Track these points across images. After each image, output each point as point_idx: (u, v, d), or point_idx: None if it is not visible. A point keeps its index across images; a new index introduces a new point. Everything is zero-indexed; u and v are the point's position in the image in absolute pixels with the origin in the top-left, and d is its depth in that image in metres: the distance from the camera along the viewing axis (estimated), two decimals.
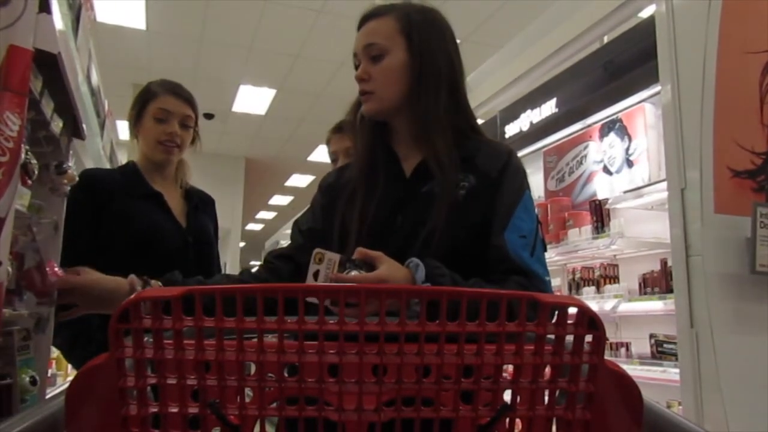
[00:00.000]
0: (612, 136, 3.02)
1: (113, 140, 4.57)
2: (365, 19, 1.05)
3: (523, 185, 1.01)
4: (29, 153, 1.97)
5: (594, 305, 2.62)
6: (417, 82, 1.00)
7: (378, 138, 1.07)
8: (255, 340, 0.47)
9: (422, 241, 0.95)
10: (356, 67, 1.05)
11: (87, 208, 1.43)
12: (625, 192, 2.66)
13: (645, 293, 2.60)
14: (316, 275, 0.89)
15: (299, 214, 1.18)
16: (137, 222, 1.45)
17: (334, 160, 1.67)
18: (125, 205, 1.46)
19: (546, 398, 0.51)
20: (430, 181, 1.00)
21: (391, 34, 1.01)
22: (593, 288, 2.93)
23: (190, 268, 1.49)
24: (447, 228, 0.95)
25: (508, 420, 0.52)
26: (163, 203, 1.52)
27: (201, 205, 1.63)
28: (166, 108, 1.52)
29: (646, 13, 2.36)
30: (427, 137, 1.00)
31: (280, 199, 11.84)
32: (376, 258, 0.87)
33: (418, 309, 0.49)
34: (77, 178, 1.51)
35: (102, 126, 3.47)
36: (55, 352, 3.12)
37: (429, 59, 1.00)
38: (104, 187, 1.46)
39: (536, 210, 1.03)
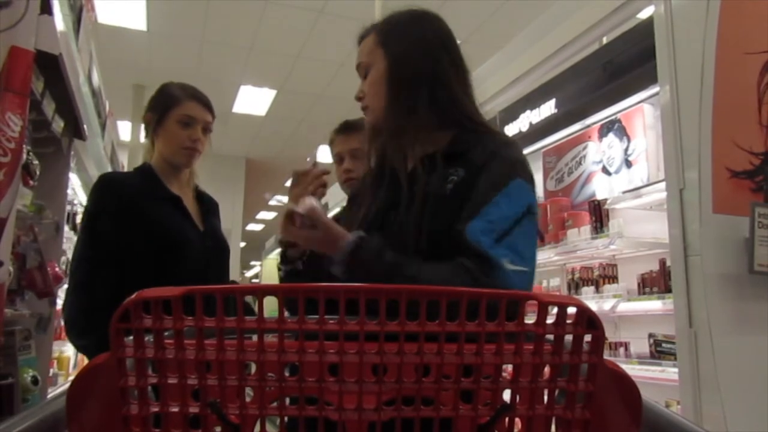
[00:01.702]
0: (611, 137, 3.02)
1: (114, 141, 4.58)
2: (358, 43, 1.11)
3: (511, 174, 0.96)
4: (31, 153, 1.98)
5: (593, 305, 2.62)
6: (394, 87, 1.03)
7: None
8: (255, 339, 0.48)
9: (402, 237, 0.96)
10: None
11: (111, 212, 1.43)
12: (624, 192, 2.67)
13: (644, 293, 2.60)
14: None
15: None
16: (162, 226, 1.45)
17: (338, 161, 1.65)
18: (148, 209, 1.45)
19: (545, 398, 0.51)
20: (427, 178, 1.00)
21: (371, 49, 1.07)
22: (592, 288, 2.93)
23: (210, 272, 1.51)
24: (429, 223, 0.94)
25: (507, 419, 0.52)
26: (182, 207, 1.53)
27: (211, 208, 1.65)
28: (190, 114, 1.53)
29: (645, 14, 2.36)
30: (406, 136, 1.03)
31: (280, 200, 11.82)
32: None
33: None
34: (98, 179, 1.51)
35: (103, 127, 3.48)
36: (56, 352, 3.13)
37: (402, 62, 1.04)
38: (126, 191, 1.46)
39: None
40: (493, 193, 0.93)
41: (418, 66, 1.03)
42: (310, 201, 0.92)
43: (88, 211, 1.47)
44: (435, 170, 1.00)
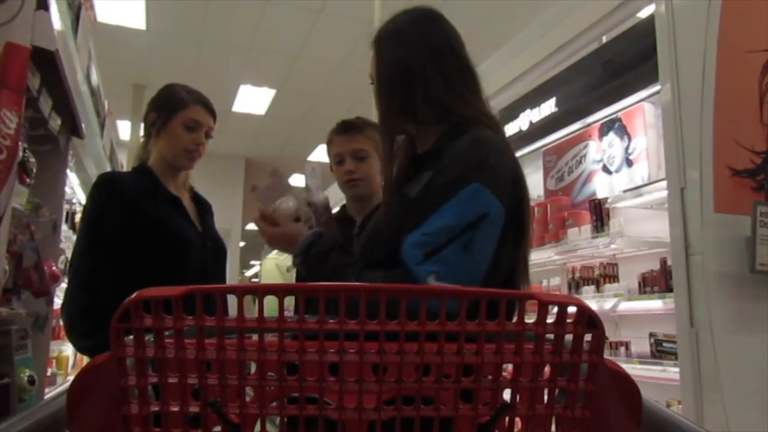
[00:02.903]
0: (611, 136, 3.02)
1: (113, 140, 4.57)
2: None
3: (466, 178, 0.89)
4: (27, 151, 1.97)
5: (593, 304, 2.62)
6: (380, 91, 1.06)
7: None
8: (255, 339, 0.47)
9: (374, 239, 0.98)
10: None
11: (114, 212, 1.42)
12: (625, 191, 2.67)
13: (644, 292, 2.60)
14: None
15: None
16: (164, 226, 1.46)
17: (339, 162, 1.62)
18: (151, 210, 1.46)
19: (546, 397, 0.51)
20: (410, 182, 1.01)
21: (372, 60, 1.10)
22: (593, 287, 2.93)
23: (209, 272, 1.52)
24: (399, 226, 0.93)
25: (507, 419, 0.52)
26: (181, 207, 1.53)
27: (207, 210, 1.66)
28: (197, 119, 1.54)
29: (645, 13, 2.36)
30: (389, 139, 1.05)
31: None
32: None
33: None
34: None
35: (102, 126, 3.47)
36: (54, 352, 3.13)
37: (384, 66, 1.07)
38: (126, 190, 1.46)
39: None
40: (441, 201, 0.88)
41: (398, 67, 1.04)
42: (283, 202, 1.06)
43: (89, 210, 1.47)
44: (418, 172, 1.00)
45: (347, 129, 1.60)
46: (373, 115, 1.24)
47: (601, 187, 3.09)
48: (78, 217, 3.36)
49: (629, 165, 2.90)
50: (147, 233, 1.43)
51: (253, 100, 6.99)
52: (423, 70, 1.03)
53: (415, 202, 0.93)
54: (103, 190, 1.47)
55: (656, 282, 2.54)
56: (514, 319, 0.49)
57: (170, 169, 1.56)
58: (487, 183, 0.89)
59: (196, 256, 1.48)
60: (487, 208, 0.88)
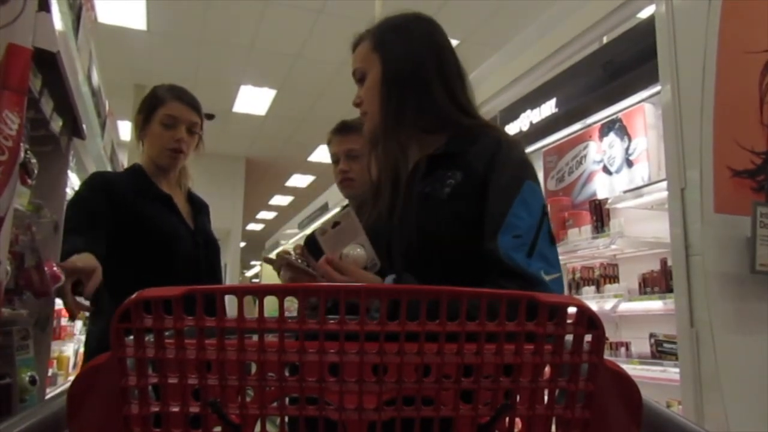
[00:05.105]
0: (612, 136, 3.02)
1: (114, 140, 4.57)
2: (352, 50, 1.11)
3: (519, 177, 0.94)
4: (29, 152, 1.97)
5: (594, 305, 2.62)
6: (387, 91, 1.03)
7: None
8: (256, 339, 0.47)
9: (406, 243, 0.97)
10: None
11: (102, 209, 1.43)
12: (625, 192, 2.67)
13: (645, 293, 2.60)
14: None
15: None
16: (155, 224, 1.47)
17: (335, 161, 1.66)
18: (140, 208, 1.46)
19: (546, 397, 0.51)
20: (421, 181, 1.01)
21: (366, 56, 1.07)
22: (593, 287, 2.93)
23: (201, 271, 1.52)
24: (426, 225, 0.94)
25: (507, 419, 0.52)
26: (173, 206, 1.54)
27: (202, 209, 1.66)
28: (173, 114, 1.53)
29: (645, 14, 2.36)
30: (400, 140, 1.03)
31: (280, 200, 11.86)
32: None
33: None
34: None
35: (103, 126, 3.47)
36: (55, 352, 3.13)
37: (395, 66, 1.04)
38: (117, 189, 1.47)
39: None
40: (508, 203, 0.92)
41: (411, 69, 1.03)
42: (352, 249, 0.93)
43: (76, 206, 1.48)
44: (432, 172, 0.99)
45: (342, 129, 1.64)
46: None
47: (602, 187, 3.09)
48: None
49: (629, 165, 2.90)
50: (137, 230, 1.44)
51: (253, 100, 6.99)
52: (427, 74, 1.03)
53: (447, 201, 0.95)
54: (93, 184, 1.49)
55: (656, 282, 2.54)
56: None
57: (158, 168, 1.56)
58: (534, 180, 0.96)
59: (185, 252, 1.49)
60: (543, 202, 0.96)
